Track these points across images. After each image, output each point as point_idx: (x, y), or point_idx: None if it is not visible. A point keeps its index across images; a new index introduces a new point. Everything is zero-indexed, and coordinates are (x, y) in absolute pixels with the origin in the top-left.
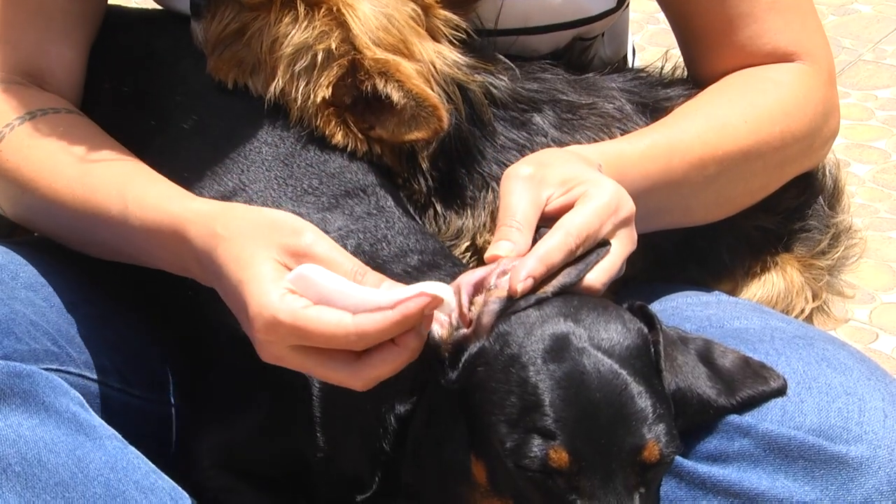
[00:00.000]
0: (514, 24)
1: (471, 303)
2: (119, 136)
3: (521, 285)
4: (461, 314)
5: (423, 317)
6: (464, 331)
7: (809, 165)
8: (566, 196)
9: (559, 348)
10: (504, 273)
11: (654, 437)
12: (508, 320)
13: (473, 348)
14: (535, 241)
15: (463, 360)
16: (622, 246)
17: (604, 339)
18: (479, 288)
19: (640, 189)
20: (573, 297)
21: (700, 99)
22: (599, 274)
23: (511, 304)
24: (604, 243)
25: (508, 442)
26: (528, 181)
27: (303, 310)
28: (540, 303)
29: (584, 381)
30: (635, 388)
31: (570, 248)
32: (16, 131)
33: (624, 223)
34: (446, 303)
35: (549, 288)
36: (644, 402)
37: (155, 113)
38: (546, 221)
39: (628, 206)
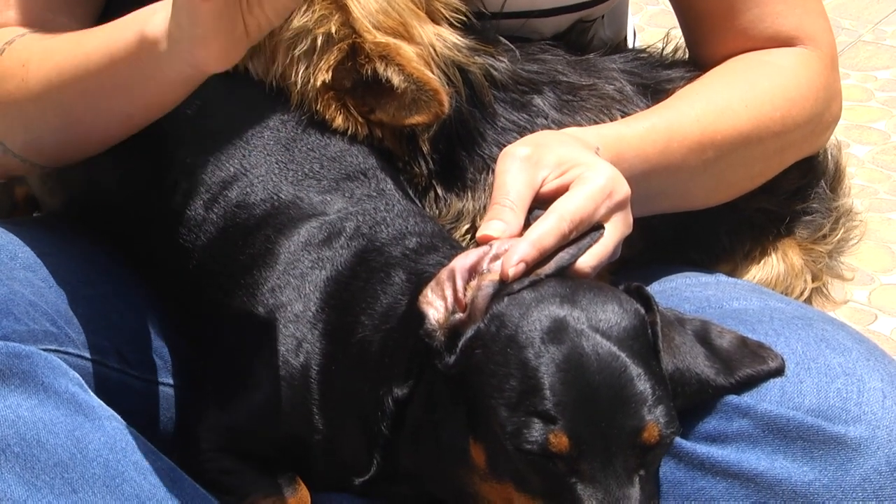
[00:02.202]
0: (521, 8)
1: (465, 286)
2: None
3: (512, 269)
4: (456, 298)
5: None
6: (459, 315)
7: (810, 151)
8: (561, 178)
9: (557, 330)
10: (497, 257)
11: (654, 419)
12: (503, 301)
13: (469, 332)
14: (528, 223)
15: (460, 344)
16: (616, 230)
17: (601, 320)
18: (473, 272)
19: (638, 172)
20: (568, 279)
21: (700, 82)
22: (590, 258)
23: (505, 287)
24: (598, 227)
25: (508, 426)
26: (524, 161)
27: None
28: (534, 285)
29: (584, 364)
30: (634, 370)
31: (564, 233)
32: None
33: (619, 207)
34: (440, 283)
35: (543, 271)
36: (643, 384)
37: None
38: (540, 203)
39: (623, 190)
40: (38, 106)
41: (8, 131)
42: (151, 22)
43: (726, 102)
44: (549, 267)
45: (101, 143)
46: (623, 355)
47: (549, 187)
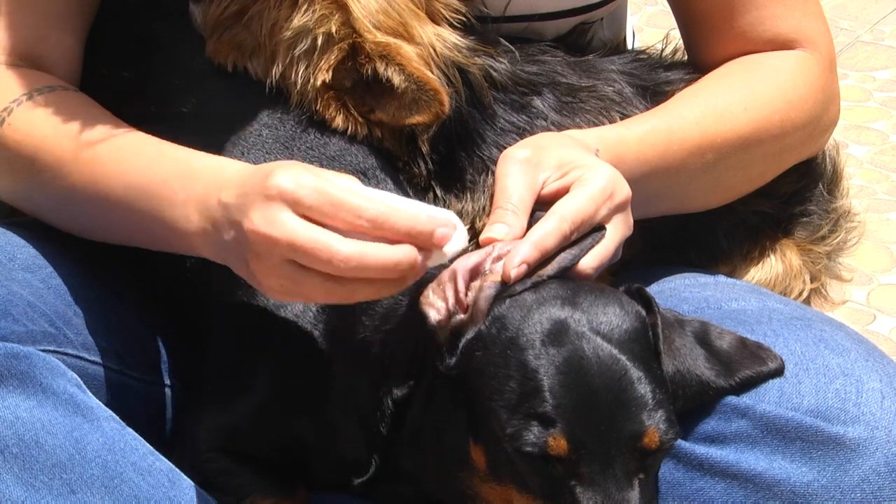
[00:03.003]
0: (523, 11)
1: (467, 288)
2: None
3: (514, 271)
4: (458, 299)
5: (429, 242)
6: (461, 316)
7: (809, 153)
8: (562, 180)
9: (558, 332)
10: (499, 258)
11: (654, 424)
12: (504, 304)
13: (470, 333)
14: (530, 225)
15: (461, 345)
16: (617, 231)
17: (602, 322)
18: (475, 273)
19: (638, 174)
20: (569, 281)
21: (700, 85)
22: (591, 259)
23: (506, 289)
24: (599, 228)
25: (508, 428)
26: (524, 164)
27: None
28: (536, 287)
29: (584, 367)
30: (634, 373)
31: (565, 234)
32: (20, 108)
33: (619, 208)
34: (442, 284)
35: (545, 272)
36: (643, 387)
37: (154, 98)
38: (541, 205)
39: (624, 192)
40: (32, 189)
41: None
42: (190, 217)
43: (726, 105)
44: (551, 268)
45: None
46: (623, 358)
47: (549, 189)
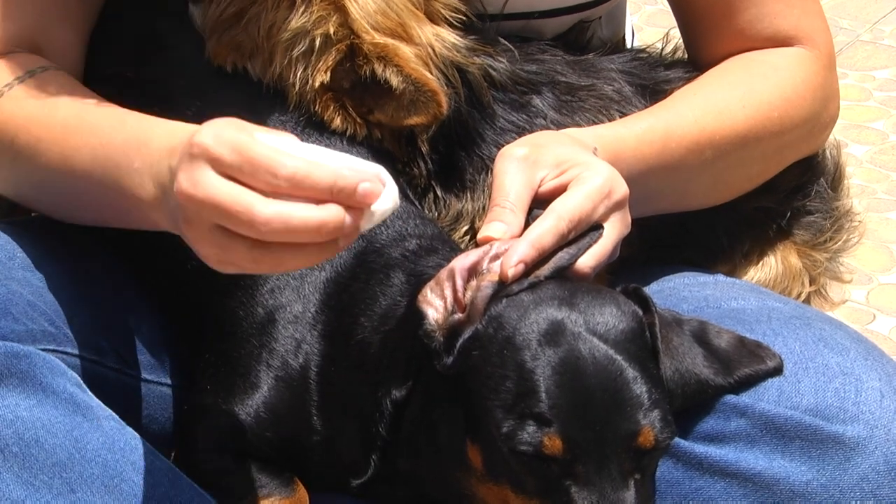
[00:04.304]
0: (522, 9)
1: (465, 287)
2: None
3: (512, 270)
4: (455, 298)
5: (353, 200)
6: (458, 315)
7: (808, 151)
8: (560, 178)
9: (554, 332)
10: (496, 257)
11: (650, 423)
12: (501, 303)
13: (467, 333)
14: (527, 223)
15: (458, 344)
16: (615, 229)
17: (599, 323)
18: (472, 272)
19: (636, 173)
20: (567, 281)
21: (698, 83)
22: (589, 258)
23: (504, 288)
24: (597, 227)
25: (503, 427)
26: (522, 162)
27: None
28: (533, 286)
29: (580, 367)
30: (630, 373)
31: (563, 233)
32: (10, 91)
33: (617, 206)
34: (440, 283)
35: (542, 272)
36: (639, 387)
37: (158, 97)
38: (539, 203)
39: (622, 190)
40: (13, 169)
41: None
42: (145, 185)
43: (724, 103)
44: (548, 267)
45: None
46: (619, 358)
47: (547, 187)
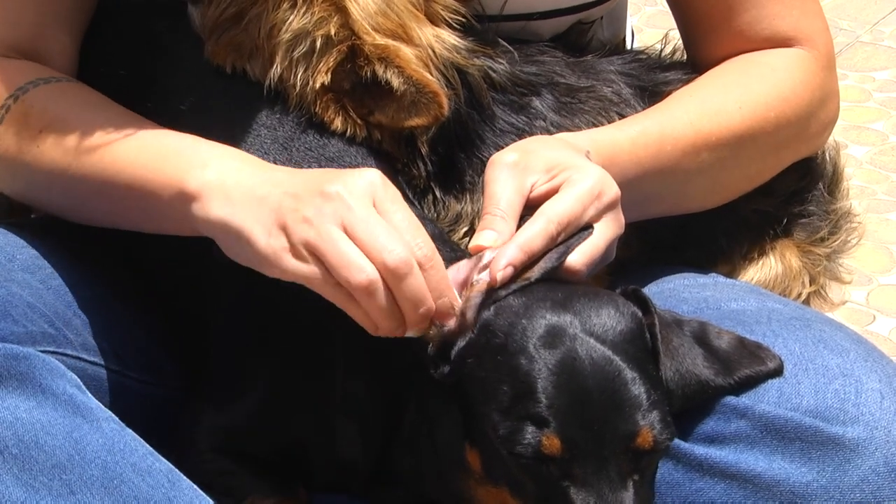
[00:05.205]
0: (520, 10)
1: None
2: None
3: (500, 273)
4: None
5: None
6: (448, 326)
7: (808, 152)
8: (550, 183)
9: (549, 334)
10: (485, 267)
11: (648, 424)
12: (491, 310)
13: (461, 343)
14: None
15: (452, 354)
16: (608, 229)
17: (595, 324)
18: (464, 285)
19: (632, 176)
20: (563, 284)
21: (695, 85)
22: (579, 256)
23: (493, 294)
24: (586, 227)
25: (501, 429)
26: (512, 168)
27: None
28: (524, 289)
29: (576, 368)
30: (629, 374)
31: (551, 235)
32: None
33: (608, 207)
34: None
35: (532, 274)
36: (638, 388)
37: (153, 97)
38: (531, 209)
39: (613, 191)
40: (46, 178)
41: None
42: (194, 176)
43: (720, 104)
44: (538, 269)
45: (97, 223)
46: (617, 359)
47: (538, 192)
